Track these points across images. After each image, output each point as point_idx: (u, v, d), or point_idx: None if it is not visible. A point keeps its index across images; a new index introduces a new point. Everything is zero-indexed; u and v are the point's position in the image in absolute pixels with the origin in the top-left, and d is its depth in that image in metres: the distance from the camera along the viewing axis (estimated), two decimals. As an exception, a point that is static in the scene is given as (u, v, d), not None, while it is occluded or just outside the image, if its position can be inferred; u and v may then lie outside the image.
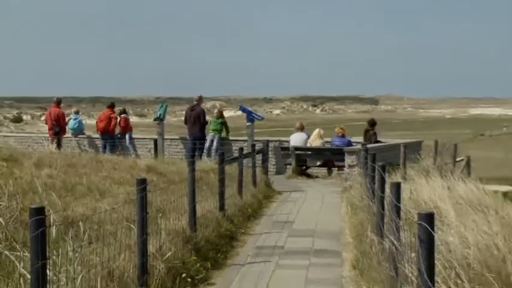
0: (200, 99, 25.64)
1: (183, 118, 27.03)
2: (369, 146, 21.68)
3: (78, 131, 27.39)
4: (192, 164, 11.47)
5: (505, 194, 17.40)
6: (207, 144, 24.94)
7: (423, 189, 13.27)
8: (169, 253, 8.77)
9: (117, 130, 26.19)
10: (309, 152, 24.74)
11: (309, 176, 23.98)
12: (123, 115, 26.75)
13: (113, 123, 25.75)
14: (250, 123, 25.30)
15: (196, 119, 24.38)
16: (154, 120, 27.51)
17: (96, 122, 26.81)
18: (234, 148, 22.97)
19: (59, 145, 24.68)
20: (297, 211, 15.91)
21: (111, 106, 26.85)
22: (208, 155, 24.46)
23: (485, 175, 28.07)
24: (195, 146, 24.01)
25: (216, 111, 28.73)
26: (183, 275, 8.64)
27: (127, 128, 26.62)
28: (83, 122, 29.28)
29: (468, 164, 26.93)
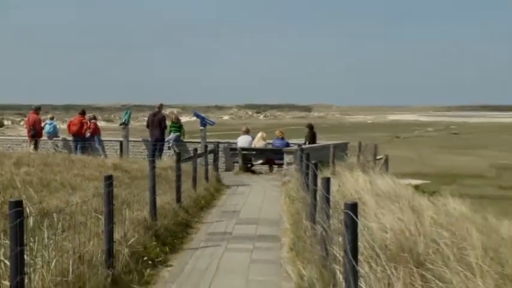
0: (161, 107, 25.68)
1: (145, 123, 27.05)
2: (303, 146, 22.06)
3: (53, 134, 27.07)
4: (152, 163, 11.44)
5: (416, 187, 17.75)
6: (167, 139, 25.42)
7: (349, 182, 13.46)
8: (133, 239, 8.77)
9: (88, 133, 26.05)
10: (254, 152, 24.87)
11: (253, 172, 24.15)
12: (92, 120, 26.57)
13: (84, 127, 25.57)
14: (203, 127, 25.42)
15: (157, 124, 24.44)
16: (120, 125, 27.52)
17: (68, 126, 26.52)
18: (189, 149, 22.92)
19: (36, 147, 24.53)
20: (243, 202, 15.99)
21: (82, 113, 26.58)
22: (168, 148, 25.06)
23: (400, 171, 28.62)
24: (156, 147, 24.03)
25: (173, 116, 28.75)
26: (145, 258, 8.67)
27: (96, 131, 26.38)
28: (57, 126, 28.98)
29: (386, 161, 27.36)
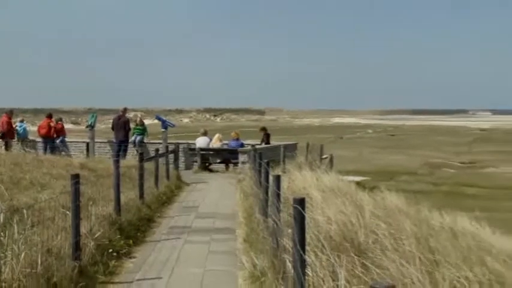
0: (125, 111, 25.42)
1: (110, 125, 26.77)
2: (257, 147, 22.08)
3: (23, 136, 26.67)
4: (117, 162, 11.33)
5: (358, 183, 17.90)
6: (131, 140, 25.23)
7: (297, 179, 13.49)
8: (98, 233, 8.65)
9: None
10: (211, 152, 24.87)
11: (211, 170, 24.09)
12: (59, 122, 26.34)
13: (52, 129, 25.27)
14: (164, 129, 25.36)
15: (122, 126, 24.24)
16: (87, 127, 27.24)
17: (38, 129, 26.24)
18: (151, 149, 22.79)
19: (7, 147, 24.09)
20: (202, 198, 15.92)
21: (50, 116, 26.35)
22: (134, 146, 24.94)
23: (343, 169, 28.81)
24: (120, 147, 23.79)
25: (138, 119, 28.62)
26: (110, 250, 8.56)
27: (62, 132, 26.19)
28: (27, 128, 28.53)
29: (331, 160, 27.51)
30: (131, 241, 9.73)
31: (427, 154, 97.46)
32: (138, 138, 25.59)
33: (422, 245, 7.27)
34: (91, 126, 25.65)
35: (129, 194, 12.67)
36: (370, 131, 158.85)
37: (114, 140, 24.97)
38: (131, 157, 22.84)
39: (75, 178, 7.82)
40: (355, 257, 6.51)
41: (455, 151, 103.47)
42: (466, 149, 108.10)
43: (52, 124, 25.50)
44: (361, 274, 5.90)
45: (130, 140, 25.23)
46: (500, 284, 6.33)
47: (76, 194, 7.76)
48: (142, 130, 26.14)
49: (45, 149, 24.70)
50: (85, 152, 25.19)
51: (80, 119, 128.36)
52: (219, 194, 16.84)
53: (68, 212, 7.95)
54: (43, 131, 25.39)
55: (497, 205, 52.72)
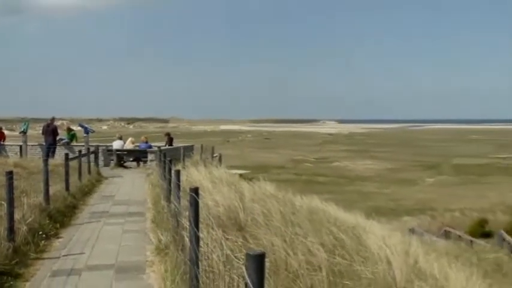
0: (53, 119, 24.29)
1: (41, 131, 25.72)
2: (162, 148, 21.92)
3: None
4: (46, 161, 11.01)
5: (241, 175, 18.08)
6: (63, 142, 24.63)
7: (194, 173, 13.40)
8: (30, 219, 8.21)
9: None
10: (125, 152, 24.41)
11: (125, 167, 23.59)
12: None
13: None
14: (86, 134, 24.61)
15: (50, 132, 23.22)
16: (20, 133, 26.04)
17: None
18: (76, 150, 22.04)
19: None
20: (118, 189, 15.54)
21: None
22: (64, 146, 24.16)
23: (229, 164, 29.16)
24: (49, 150, 22.74)
25: (65, 127, 27.88)
26: (40, 233, 8.15)
27: (2, 137, 25.27)
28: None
29: (220, 158, 27.61)
30: (58, 225, 9.33)
31: (291, 153, 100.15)
32: (66, 141, 24.83)
33: (287, 220, 7.40)
34: (24, 132, 24.49)
35: (57, 187, 12.11)
36: (249, 135, 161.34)
37: (44, 144, 24.01)
38: (59, 157, 22.03)
39: (9, 174, 7.47)
40: (237, 232, 6.54)
41: (311, 150, 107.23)
42: (318, 149, 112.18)
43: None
44: (241, 245, 5.92)
45: (63, 141, 24.50)
46: (342, 248, 6.54)
47: (10, 187, 7.38)
48: (71, 135, 25.51)
49: None
50: (18, 153, 24.02)
51: (14, 126, 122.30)
52: (131, 186, 16.49)
53: (3, 202, 7.51)
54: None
55: (340, 189, 54.95)
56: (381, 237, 7.93)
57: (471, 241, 24.42)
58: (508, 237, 23.14)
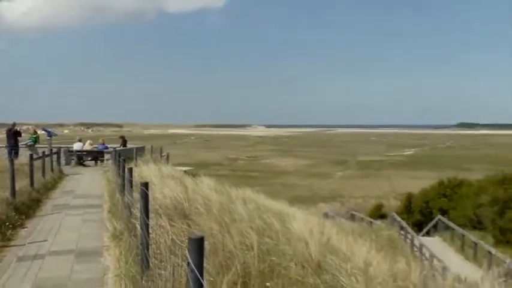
0: (14, 124, 22.91)
1: (4, 135, 24.42)
2: (117, 149, 21.40)
3: None
4: (12, 161, 10.33)
5: (185, 171, 17.81)
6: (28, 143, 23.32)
7: (145, 170, 13.12)
8: (-2, 212, 7.78)
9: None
10: (84, 153, 23.49)
11: (84, 166, 22.64)
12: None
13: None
14: (49, 137, 23.52)
15: (13, 136, 21.99)
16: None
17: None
18: (39, 152, 21.01)
19: None
20: (78, 184, 14.88)
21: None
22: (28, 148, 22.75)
23: (176, 162, 28.76)
24: (12, 151, 21.49)
25: (31, 130, 26.60)
26: (7, 224, 7.68)
27: None
28: None
29: (167, 157, 27.11)
30: (24, 216, 8.85)
31: (227, 152, 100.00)
32: (31, 143, 23.51)
33: (224, 209, 7.37)
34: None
35: (22, 183, 11.46)
36: (193, 137, 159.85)
37: (7, 145, 22.78)
38: (24, 157, 20.96)
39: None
40: (182, 219, 6.45)
41: (244, 150, 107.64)
42: (250, 149, 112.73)
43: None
44: (185, 230, 5.85)
45: (25, 143, 23.21)
46: (270, 230, 6.60)
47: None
48: (35, 138, 24.13)
49: None
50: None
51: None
52: (90, 182, 15.84)
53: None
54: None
55: (268, 182, 55.39)
56: (301, 220, 8.08)
57: (371, 222, 25.17)
58: (398, 218, 24.06)
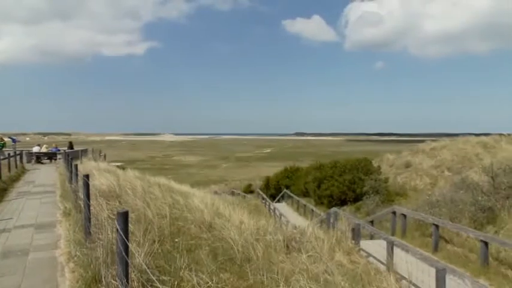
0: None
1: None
2: (66, 151, 19.22)
3: None
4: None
5: (118, 166, 16.50)
6: None
7: (87, 166, 12.03)
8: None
9: None
10: (42, 154, 20.65)
11: (42, 163, 19.83)
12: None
13: None
14: (14, 143, 20.47)
15: None
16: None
17: None
18: (6, 154, 17.92)
19: None
20: (36, 177, 13.10)
21: None
22: None
23: (111, 160, 26.57)
24: None
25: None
26: (-25, 209, 6.59)
27: None
28: None
29: (105, 156, 25.04)
30: (-8, 202, 7.64)
31: (148, 152, 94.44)
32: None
33: (145, 191, 7.20)
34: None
35: (-11, 178, 9.83)
36: (123, 142, 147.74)
37: None
38: None
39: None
40: (115, 199, 6.19)
41: (160, 151, 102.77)
42: (164, 150, 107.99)
43: None
44: (117, 207, 5.64)
45: None
46: (177, 204, 6.54)
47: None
48: (3, 144, 20.60)
49: None
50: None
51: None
52: (46, 175, 14.02)
53: None
54: None
55: (177, 172, 53.67)
56: (199, 197, 8.17)
57: (244, 196, 25.73)
58: (261, 192, 24.99)
